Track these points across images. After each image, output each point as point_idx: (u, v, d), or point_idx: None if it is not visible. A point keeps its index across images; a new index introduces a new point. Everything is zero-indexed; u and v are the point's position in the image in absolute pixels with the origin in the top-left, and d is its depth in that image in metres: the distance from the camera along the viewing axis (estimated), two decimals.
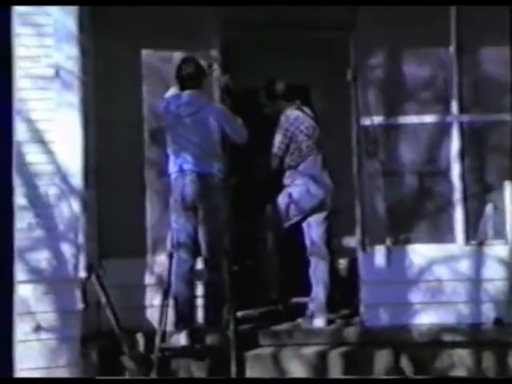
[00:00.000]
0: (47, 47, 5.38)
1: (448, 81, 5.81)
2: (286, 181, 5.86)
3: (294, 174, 5.82)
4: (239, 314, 5.63)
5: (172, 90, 5.57)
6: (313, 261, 5.82)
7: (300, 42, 6.55)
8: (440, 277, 5.61)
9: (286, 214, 5.81)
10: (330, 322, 5.76)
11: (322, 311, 5.74)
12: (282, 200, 5.81)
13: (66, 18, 5.36)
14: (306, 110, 5.97)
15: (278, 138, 5.84)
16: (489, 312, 5.57)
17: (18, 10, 5.17)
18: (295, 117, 5.85)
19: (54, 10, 5.36)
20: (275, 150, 5.82)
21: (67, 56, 5.37)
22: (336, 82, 6.13)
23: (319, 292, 5.76)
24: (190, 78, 5.50)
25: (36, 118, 5.36)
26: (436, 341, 5.49)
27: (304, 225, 5.87)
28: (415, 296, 5.61)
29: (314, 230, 5.83)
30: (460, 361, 5.43)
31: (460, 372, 5.40)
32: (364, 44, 5.79)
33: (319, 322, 5.71)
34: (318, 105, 6.12)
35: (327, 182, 5.84)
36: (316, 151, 5.84)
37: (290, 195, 5.80)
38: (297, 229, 5.93)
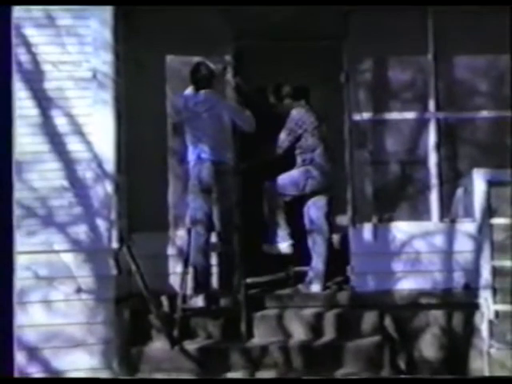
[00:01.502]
0: (87, 54, 5.69)
1: (426, 83, 6.06)
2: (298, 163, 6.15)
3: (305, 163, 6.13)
4: (248, 280, 5.89)
5: (189, 90, 5.87)
6: (312, 236, 6.14)
7: (302, 49, 6.76)
8: (418, 249, 5.86)
9: (303, 187, 6.09)
10: (325, 287, 6.07)
11: (319, 279, 6.05)
12: (298, 174, 6.12)
13: (102, 29, 5.67)
14: (310, 108, 6.25)
15: (282, 136, 6.12)
16: (459, 279, 5.83)
17: (63, 22, 5.64)
18: (300, 117, 6.13)
19: (93, 22, 5.67)
20: (279, 144, 6.12)
21: (103, 61, 5.68)
22: (332, 83, 6.35)
23: (318, 263, 6.07)
24: (203, 79, 5.81)
25: (76, 113, 5.66)
26: (414, 303, 5.80)
27: (305, 206, 6.19)
28: (397, 265, 5.85)
29: (314, 211, 6.14)
30: (434, 320, 5.79)
31: (434, 329, 5.77)
32: (355, 51, 6.05)
33: (316, 288, 6.04)
34: (316, 103, 6.34)
35: (330, 171, 6.16)
36: (322, 144, 6.16)
37: (307, 171, 6.11)
38: (298, 207, 6.22)
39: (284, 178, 6.19)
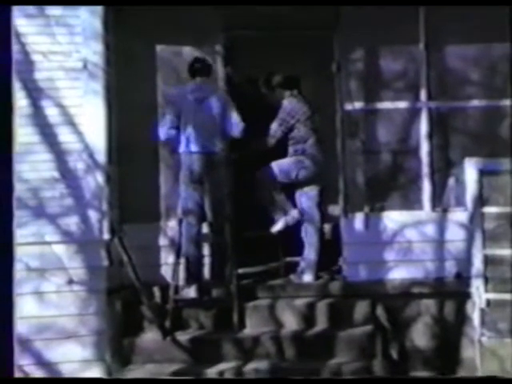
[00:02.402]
0: (77, 44, 5.66)
1: (418, 73, 6.06)
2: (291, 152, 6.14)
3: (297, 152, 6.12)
4: (240, 270, 5.88)
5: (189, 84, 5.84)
6: (305, 226, 6.14)
7: (293, 39, 6.68)
8: (410, 239, 5.89)
9: (295, 176, 6.08)
10: (317, 277, 6.08)
11: (311, 269, 6.05)
12: (289, 164, 6.10)
13: (92, 19, 5.64)
14: (302, 98, 6.23)
15: (274, 126, 6.09)
16: (450, 268, 5.86)
17: (52, 12, 5.59)
18: (292, 107, 6.12)
19: (82, 12, 5.62)
20: (271, 134, 6.10)
21: (94, 51, 5.65)
22: (323, 73, 6.33)
23: (310, 253, 6.08)
24: (200, 71, 5.84)
25: (67, 103, 5.63)
26: (406, 293, 5.83)
27: (297, 195, 6.19)
28: (389, 255, 5.89)
29: (306, 201, 6.13)
30: (426, 309, 5.82)
31: (426, 318, 5.79)
32: (346, 41, 6.06)
33: (308, 278, 6.05)
34: (308, 93, 6.29)
35: (322, 161, 6.15)
36: (314, 135, 6.14)
37: (299, 161, 6.10)
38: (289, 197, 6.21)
39: (276, 166, 6.16)
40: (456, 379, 5.48)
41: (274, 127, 6.13)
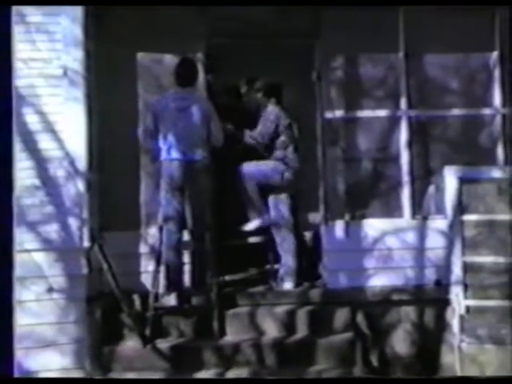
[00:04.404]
0: (57, 51, 5.64)
1: (398, 81, 6.13)
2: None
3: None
4: (221, 278, 5.90)
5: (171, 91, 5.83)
6: (281, 233, 6.14)
7: (274, 47, 6.68)
8: (390, 246, 5.92)
9: (273, 181, 6.11)
10: (297, 284, 6.08)
11: (290, 276, 6.07)
12: (268, 168, 6.13)
13: (73, 26, 5.61)
14: (282, 107, 6.25)
15: (261, 131, 6.12)
16: (430, 275, 5.88)
17: (32, 19, 5.58)
18: (276, 115, 6.14)
19: (63, 19, 5.61)
20: (260, 139, 6.11)
21: (74, 58, 5.63)
22: (303, 81, 6.36)
23: (288, 260, 6.08)
24: (186, 76, 5.81)
25: (47, 110, 5.61)
26: (386, 300, 5.86)
27: (271, 201, 6.18)
28: (369, 262, 5.91)
29: (281, 207, 6.14)
30: (406, 316, 5.85)
31: (406, 325, 5.82)
32: (327, 49, 6.10)
33: (288, 285, 6.06)
34: (288, 101, 6.32)
35: (298, 168, 6.15)
36: (292, 143, 6.17)
37: (278, 166, 6.11)
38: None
39: (255, 166, 6.19)
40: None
41: (262, 132, 6.15)
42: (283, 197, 6.21)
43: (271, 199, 6.22)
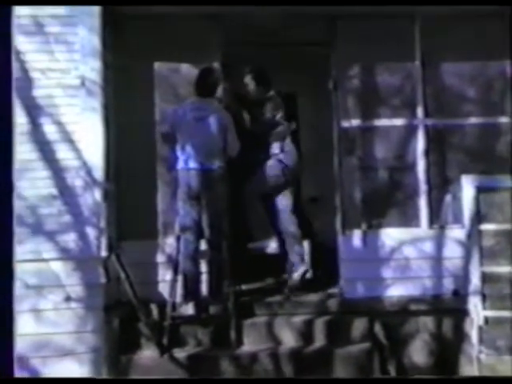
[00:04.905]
0: (75, 61, 5.68)
1: (414, 90, 6.13)
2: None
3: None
4: (238, 287, 5.91)
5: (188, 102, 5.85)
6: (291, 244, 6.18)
7: (290, 56, 6.75)
8: (408, 256, 5.89)
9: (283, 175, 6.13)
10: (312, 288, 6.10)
11: (303, 260, 6.14)
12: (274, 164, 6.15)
13: (91, 36, 5.65)
14: (280, 98, 6.23)
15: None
16: (448, 285, 5.87)
17: (51, 30, 5.63)
18: (277, 103, 6.18)
19: (81, 29, 5.65)
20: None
21: (92, 68, 5.67)
22: (320, 90, 6.45)
23: (295, 248, 6.13)
24: (208, 86, 5.82)
25: (65, 120, 5.65)
26: (404, 310, 5.83)
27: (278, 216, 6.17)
28: (387, 272, 5.89)
29: (288, 221, 6.15)
30: (424, 326, 5.82)
31: (424, 335, 5.78)
32: (343, 58, 6.09)
33: (303, 269, 6.10)
34: (305, 110, 6.45)
35: (298, 158, 6.21)
36: (290, 134, 6.20)
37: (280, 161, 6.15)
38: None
39: (262, 173, 6.21)
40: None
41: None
42: (285, 195, 6.20)
43: (279, 214, 6.23)
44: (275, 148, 6.20)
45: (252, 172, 6.24)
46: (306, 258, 6.22)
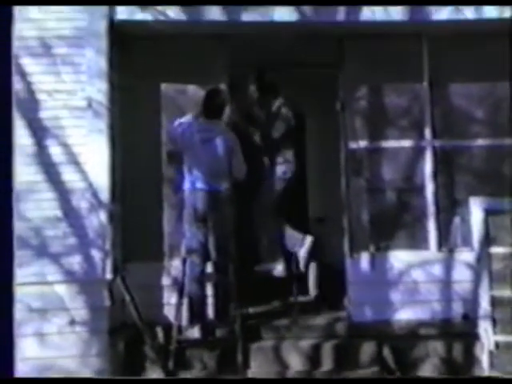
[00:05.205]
0: (82, 82, 5.71)
1: (422, 111, 6.14)
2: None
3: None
4: (245, 310, 5.85)
5: (188, 117, 5.79)
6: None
7: (297, 77, 6.71)
8: (416, 279, 5.87)
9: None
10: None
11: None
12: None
13: (98, 58, 5.68)
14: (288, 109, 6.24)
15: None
16: (458, 309, 5.84)
17: (58, 51, 5.67)
18: (287, 112, 6.19)
19: (88, 51, 5.69)
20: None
21: (98, 90, 5.68)
22: (327, 111, 6.42)
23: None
24: (215, 107, 5.78)
25: (71, 142, 5.67)
26: (413, 334, 5.81)
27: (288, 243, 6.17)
28: (395, 295, 5.85)
29: (297, 245, 6.13)
30: (434, 350, 5.74)
31: (433, 360, 5.70)
32: (351, 79, 6.10)
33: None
34: (312, 131, 6.43)
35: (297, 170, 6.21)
36: (293, 147, 6.22)
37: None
38: None
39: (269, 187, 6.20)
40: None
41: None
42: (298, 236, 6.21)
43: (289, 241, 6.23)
44: (280, 160, 6.20)
45: (259, 188, 6.24)
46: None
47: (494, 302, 5.64)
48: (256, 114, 6.38)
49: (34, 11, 5.67)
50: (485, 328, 5.66)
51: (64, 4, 5.67)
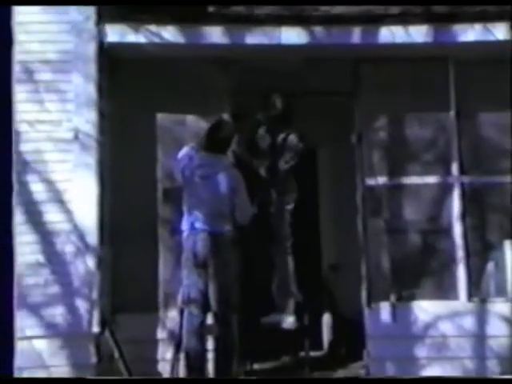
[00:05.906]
0: (68, 112, 5.52)
1: (448, 143, 5.93)
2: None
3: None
4: (249, 367, 5.71)
5: (186, 149, 5.50)
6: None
7: (309, 106, 6.47)
8: (444, 332, 5.62)
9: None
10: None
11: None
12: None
13: (86, 84, 5.52)
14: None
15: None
16: (493, 367, 5.57)
17: (43, 77, 5.49)
18: (296, 142, 5.93)
19: (75, 76, 5.53)
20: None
21: (86, 120, 5.50)
22: (342, 144, 6.18)
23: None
24: (221, 142, 5.46)
25: (55, 178, 5.47)
26: None
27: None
28: (421, 351, 5.60)
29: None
30: None
31: None
32: (368, 107, 5.90)
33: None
34: (325, 166, 6.28)
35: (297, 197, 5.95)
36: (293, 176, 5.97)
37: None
38: None
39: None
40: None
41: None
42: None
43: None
44: (288, 198, 5.95)
45: (266, 224, 5.96)
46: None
47: None
48: (261, 144, 6.11)
49: (15, 32, 5.44)
50: None
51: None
